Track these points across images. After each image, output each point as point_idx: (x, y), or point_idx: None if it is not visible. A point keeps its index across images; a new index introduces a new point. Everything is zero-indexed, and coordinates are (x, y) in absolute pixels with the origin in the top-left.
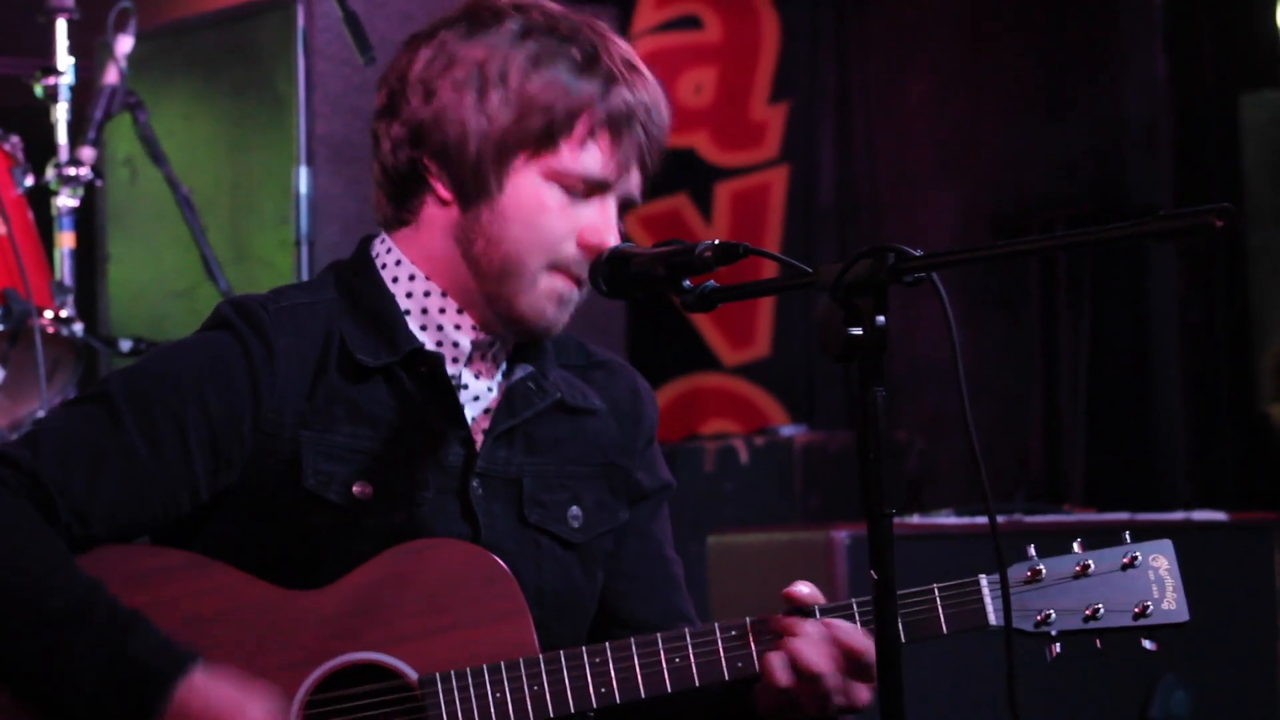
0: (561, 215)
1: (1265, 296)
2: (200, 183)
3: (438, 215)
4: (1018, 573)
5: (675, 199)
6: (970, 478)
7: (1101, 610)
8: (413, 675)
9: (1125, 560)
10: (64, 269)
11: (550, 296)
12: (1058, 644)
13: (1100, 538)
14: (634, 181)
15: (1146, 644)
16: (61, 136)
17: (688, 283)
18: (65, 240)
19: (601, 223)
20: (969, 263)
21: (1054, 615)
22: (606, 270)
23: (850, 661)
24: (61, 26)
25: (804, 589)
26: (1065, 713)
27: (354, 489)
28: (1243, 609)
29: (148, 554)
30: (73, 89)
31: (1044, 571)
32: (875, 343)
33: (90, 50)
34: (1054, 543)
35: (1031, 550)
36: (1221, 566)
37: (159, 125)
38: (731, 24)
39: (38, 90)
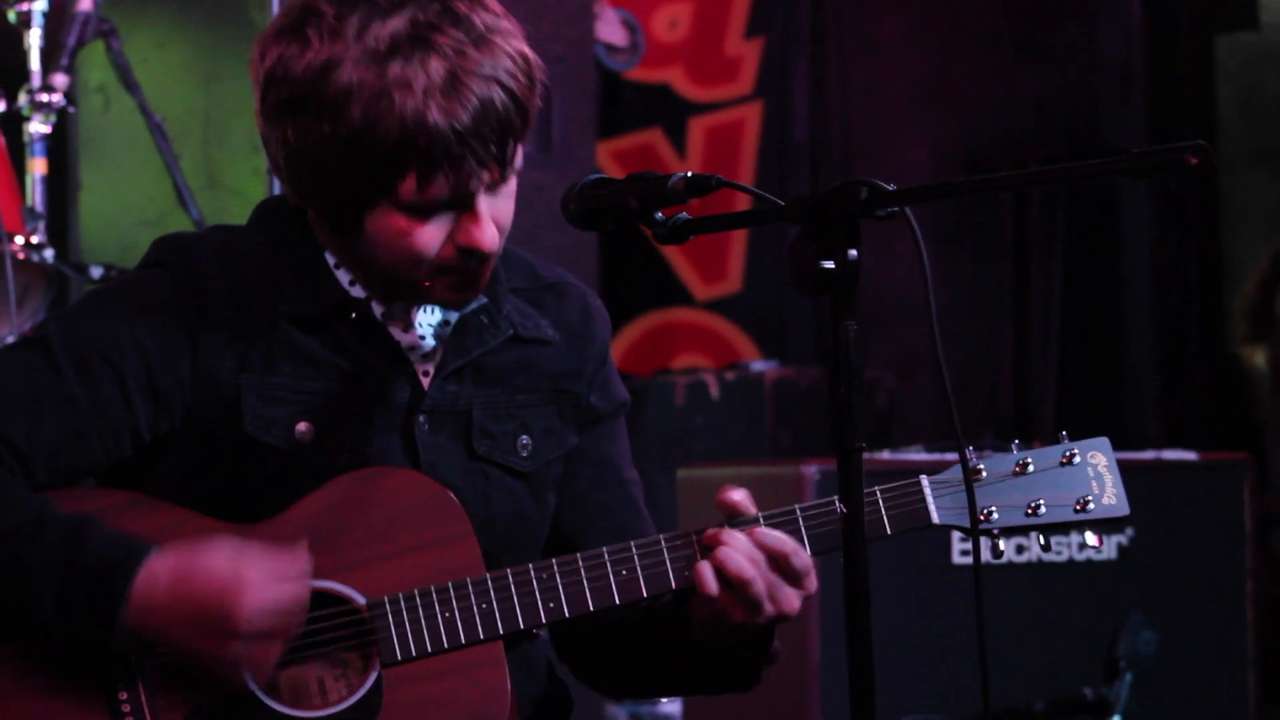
0: (426, 232)
1: (1237, 238)
2: (173, 111)
3: (320, 225)
4: (958, 472)
5: (649, 134)
6: (940, 415)
7: (1043, 506)
8: (361, 600)
9: (1064, 458)
10: (36, 195)
11: (448, 288)
12: (1002, 541)
13: None
14: (492, 172)
15: (1090, 537)
16: (34, 63)
17: (660, 215)
18: (37, 166)
19: (471, 224)
20: (942, 197)
21: (996, 512)
22: (578, 202)
23: (777, 566)
24: None
25: (737, 495)
26: (1032, 652)
27: (296, 430)
28: (1212, 548)
29: (92, 495)
30: (46, 15)
31: (984, 470)
32: (847, 276)
33: None
34: None
35: (971, 451)
36: (1191, 506)
37: (132, 53)
38: None
39: (11, 16)
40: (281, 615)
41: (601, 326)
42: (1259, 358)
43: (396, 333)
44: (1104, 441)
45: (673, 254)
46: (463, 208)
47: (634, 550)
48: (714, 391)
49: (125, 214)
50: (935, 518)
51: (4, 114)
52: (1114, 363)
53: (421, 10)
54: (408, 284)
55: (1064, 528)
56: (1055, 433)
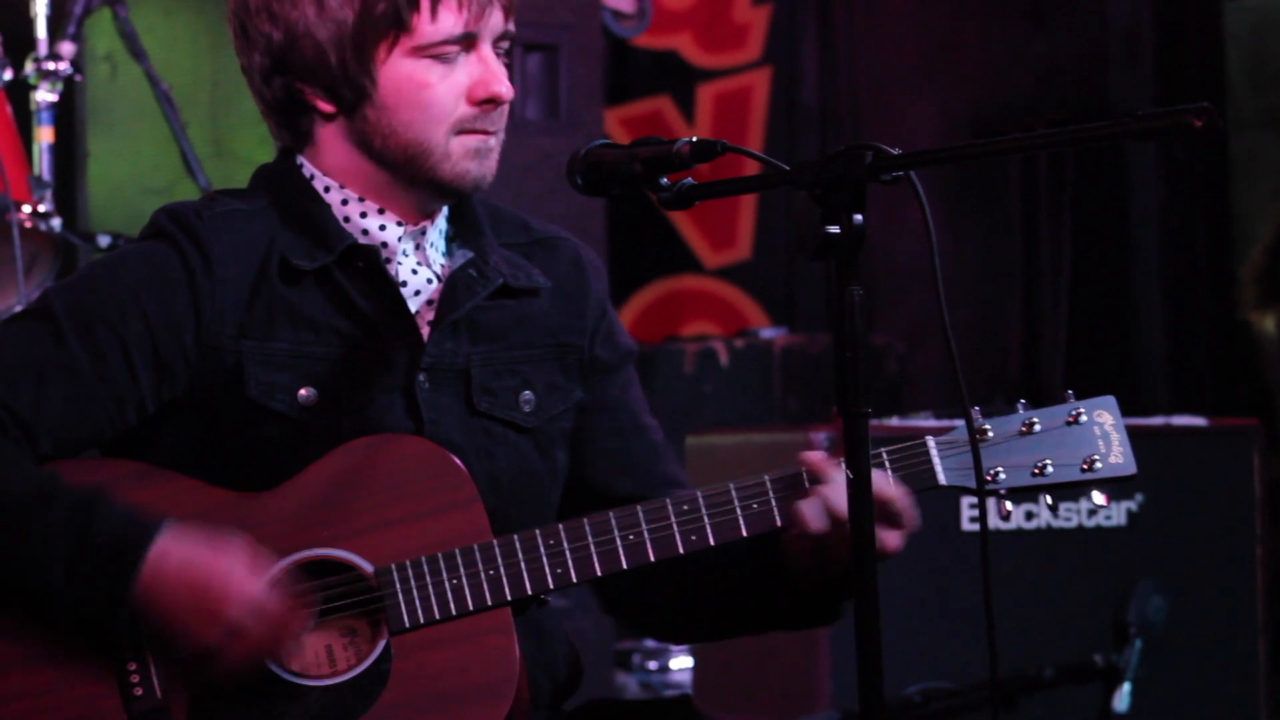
0: (443, 83)
1: (1246, 203)
2: (180, 79)
3: (329, 129)
4: (964, 434)
5: (657, 100)
6: (949, 382)
7: (1049, 466)
8: (368, 568)
9: (1070, 417)
10: (43, 164)
11: (466, 155)
12: (1008, 501)
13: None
14: (497, 18)
15: (1097, 496)
16: (41, 31)
17: (665, 180)
18: (44, 135)
19: (484, 73)
20: (947, 161)
21: (1002, 472)
22: (583, 167)
23: (880, 508)
24: None
25: (816, 455)
26: (1041, 619)
27: (299, 395)
28: (1222, 515)
29: (97, 466)
30: None
31: (990, 431)
32: (852, 241)
33: None
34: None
35: (977, 412)
36: (1201, 472)
37: (139, 21)
38: None
39: None
40: (268, 616)
41: (596, 278)
42: (1268, 323)
43: (409, 273)
44: (1110, 400)
45: (681, 221)
46: (471, 48)
47: (640, 513)
48: (723, 359)
49: (132, 182)
50: (942, 478)
51: (11, 82)
52: (1123, 328)
53: None
54: (427, 152)
55: (1071, 487)
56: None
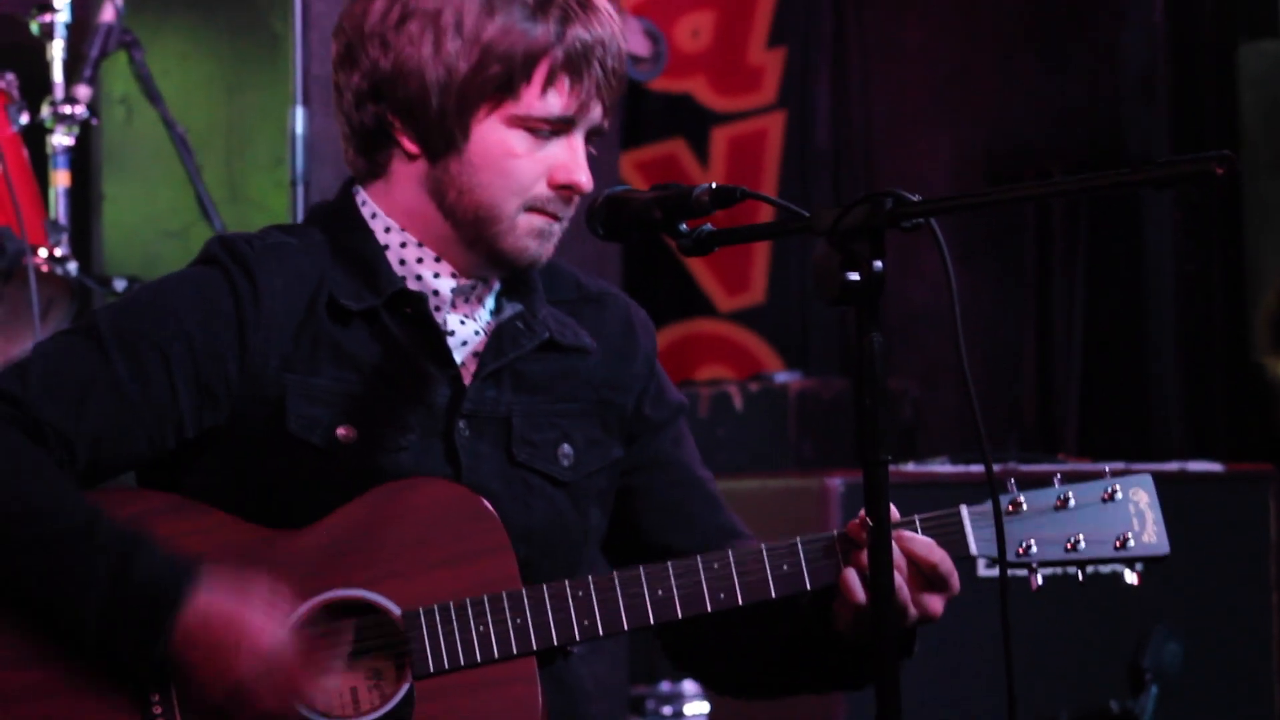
0: (530, 158)
1: (1261, 247)
2: (196, 122)
3: (407, 168)
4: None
5: (672, 144)
6: (964, 426)
7: (1082, 542)
8: (396, 610)
9: (1105, 494)
10: (59, 208)
11: (530, 234)
12: (1039, 574)
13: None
14: (596, 113)
15: (1129, 576)
16: (57, 74)
17: (684, 226)
18: (60, 179)
19: (570, 160)
20: (967, 208)
21: (1035, 546)
22: (603, 213)
23: (924, 573)
24: None
25: (856, 522)
26: (1057, 664)
27: (337, 432)
28: (1237, 560)
29: (131, 497)
30: (69, 26)
31: (1025, 504)
32: (872, 288)
33: None
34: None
35: (1012, 484)
36: (1216, 518)
37: (155, 64)
38: None
39: (34, 27)
40: (278, 669)
41: (645, 336)
42: None
43: (457, 324)
44: (1147, 479)
45: (696, 265)
46: (565, 132)
47: (670, 570)
48: (737, 403)
49: (148, 226)
50: (974, 548)
51: (27, 126)
52: (1137, 373)
53: None
54: (495, 219)
55: (1103, 563)
56: (1079, 443)
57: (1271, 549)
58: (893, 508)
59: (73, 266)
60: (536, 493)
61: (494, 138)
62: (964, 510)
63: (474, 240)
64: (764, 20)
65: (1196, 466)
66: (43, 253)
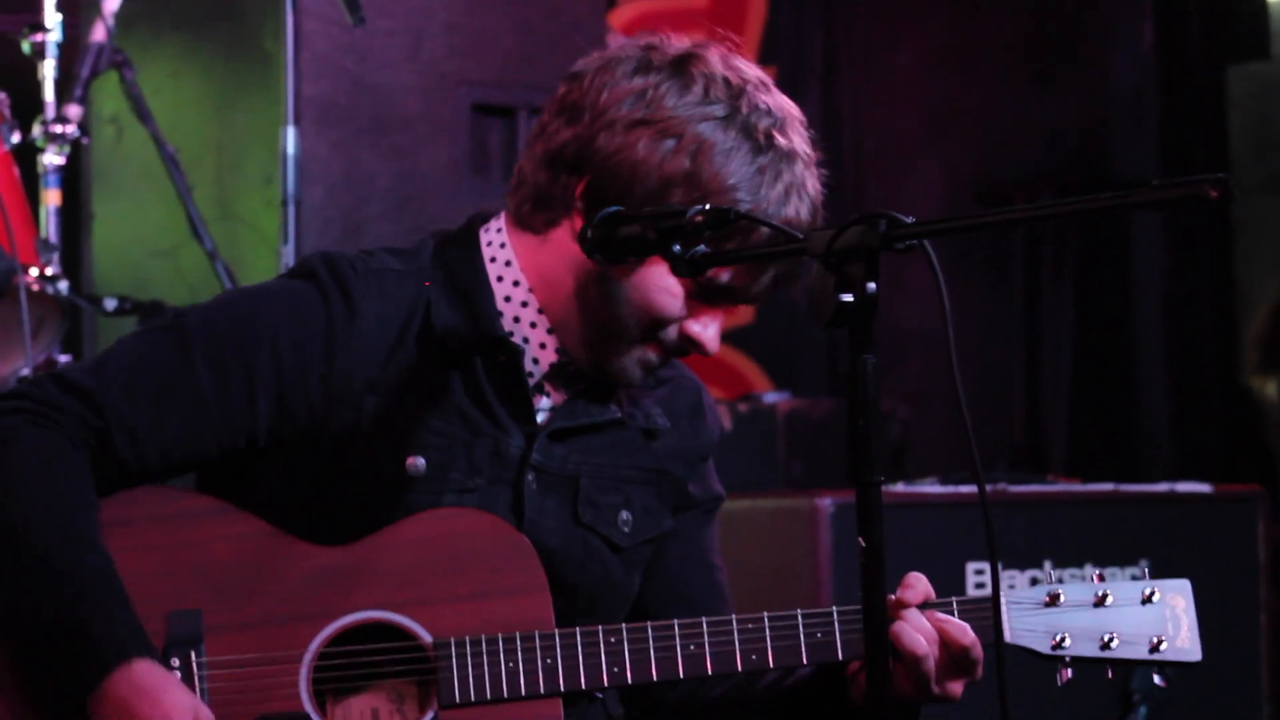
0: (678, 301)
1: (1249, 268)
2: (186, 141)
3: (567, 244)
4: (1037, 594)
5: None
6: (953, 446)
7: (1116, 640)
8: (427, 638)
9: (1144, 595)
10: (49, 227)
11: (641, 364)
12: (1070, 669)
13: (1085, 509)
14: (763, 290)
15: (1157, 679)
16: (48, 94)
17: (677, 247)
18: (51, 198)
19: (707, 328)
20: (961, 231)
21: (1069, 640)
22: (598, 234)
23: (953, 656)
24: None
25: (911, 595)
26: (1046, 685)
27: (407, 463)
28: (1226, 581)
29: (179, 496)
30: (60, 46)
31: (1063, 597)
32: (866, 310)
33: (78, 8)
34: (1040, 513)
35: (1051, 573)
36: (1205, 538)
37: (146, 83)
38: None
39: (25, 47)
40: None
41: (713, 423)
42: (1270, 388)
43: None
44: (1185, 585)
45: None
46: (714, 302)
47: (705, 626)
48: (727, 423)
49: (138, 245)
50: (1009, 635)
51: (18, 145)
52: (1127, 393)
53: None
54: (619, 338)
55: (1134, 664)
56: (1068, 464)
57: (1260, 570)
58: (927, 582)
59: (63, 285)
60: (594, 554)
61: (657, 277)
62: (1004, 600)
63: (590, 342)
64: (753, 40)
65: (1185, 487)
66: (33, 271)
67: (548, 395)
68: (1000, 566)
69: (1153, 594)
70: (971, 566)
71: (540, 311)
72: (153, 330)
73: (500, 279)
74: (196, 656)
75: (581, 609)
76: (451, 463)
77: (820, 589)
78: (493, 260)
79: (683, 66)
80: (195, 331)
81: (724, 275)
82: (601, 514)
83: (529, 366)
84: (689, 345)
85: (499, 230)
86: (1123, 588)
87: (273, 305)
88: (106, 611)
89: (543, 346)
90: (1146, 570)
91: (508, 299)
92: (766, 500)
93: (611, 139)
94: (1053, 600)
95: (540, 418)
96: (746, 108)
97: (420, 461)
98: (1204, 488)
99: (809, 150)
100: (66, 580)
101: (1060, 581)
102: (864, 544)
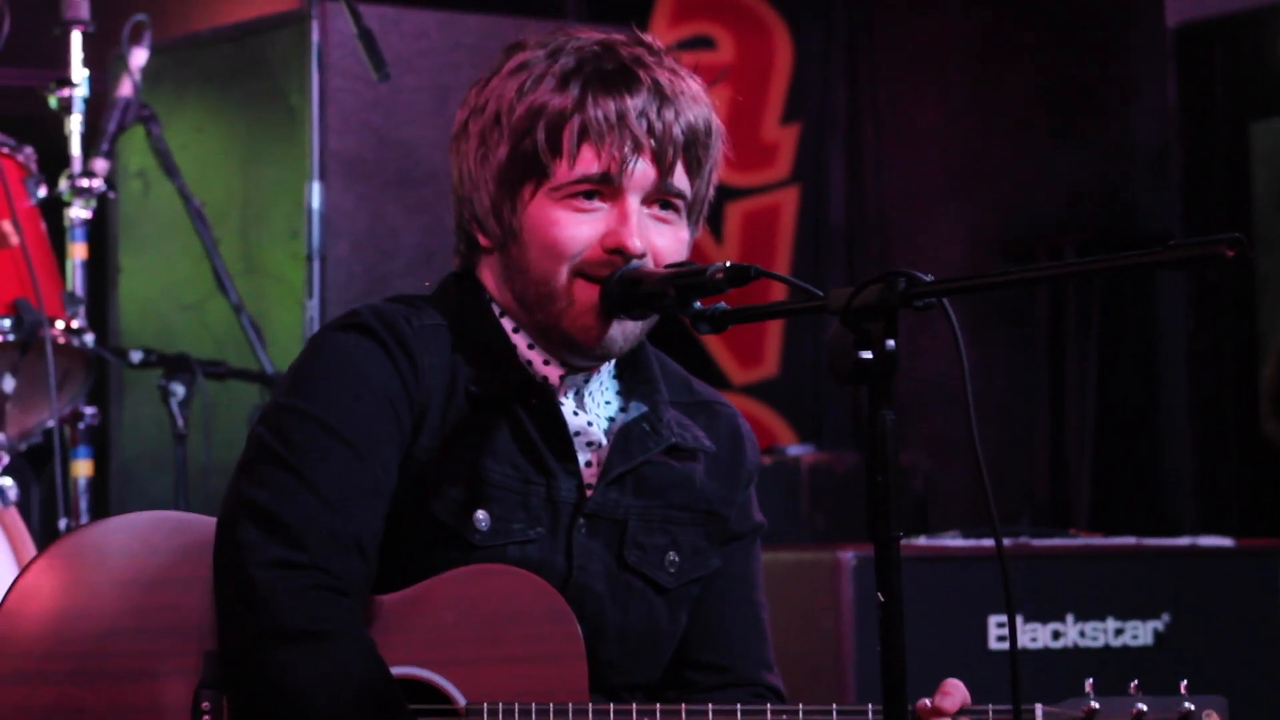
0: (575, 225)
1: (1273, 324)
2: (212, 196)
3: (490, 261)
4: (1073, 707)
5: None
6: (975, 499)
7: None
8: (461, 700)
9: (1181, 712)
10: (76, 280)
11: (588, 309)
12: None
13: (1107, 563)
14: (646, 173)
15: None
16: (75, 148)
17: (698, 304)
18: (77, 251)
19: (618, 224)
20: (980, 289)
21: None
22: (618, 291)
23: None
24: (76, 38)
25: (926, 702)
26: None
27: (475, 517)
28: (1248, 635)
29: None
30: (87, 101)
31: (1100, 711)
32: (885, 367)
33: (105, 62)
34: (1061, 566)
35: (1089, 687)
36: (1227, 592)
37: (172, 138)
38: (745, 45)
39: (52, 102)
40: None
41: (752, 451)
42: None
43: (570, 416)
44: (1221, 701)
45: (709, 338)
46: (613, 198)
47: (739, 713)
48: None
49: (164, 298)
50: None
51: (45, 199)
52: (1150, 448)
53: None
54: (552, 294)
55: None
56: (1091, 518)
57: None
58: (964, 689)
59: (89, 338)
60: (637, 596)
61: (541, 214)
62: (1039, 710)
63: (547, 325)
64: (778, 97)
65: (1207, 541)
66: (60, 324)
67: (577, 414)
68: (1022, 620)
69: (1189, 712)
70: (994, 620)
71: (517, 330)
72: (320, 443)
73: (502, 315)
74: (229, 701)
75: (629, 653)
76: (512, 514)
77: (842, 642)
78: (491, 300)
79: (507, 50)
80: (349, 434)
81: (581, 169)
82: (647, 556)
83: (558, 385)
84: (613, 255)
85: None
86: (1160, 703)
87: (376, 381)
88: None
89: (546, 363)
90: (1184, 687)
91: (516, 330)
92: (789, 553)
93: (455, 159)
94: (1089, 716)
95: (582, 455)
96: (551, 43)
97: (485, 515)
98: (1226, 542)
99: (629, 52)
100: None
101: (1097, 694)
102: (882, 599)
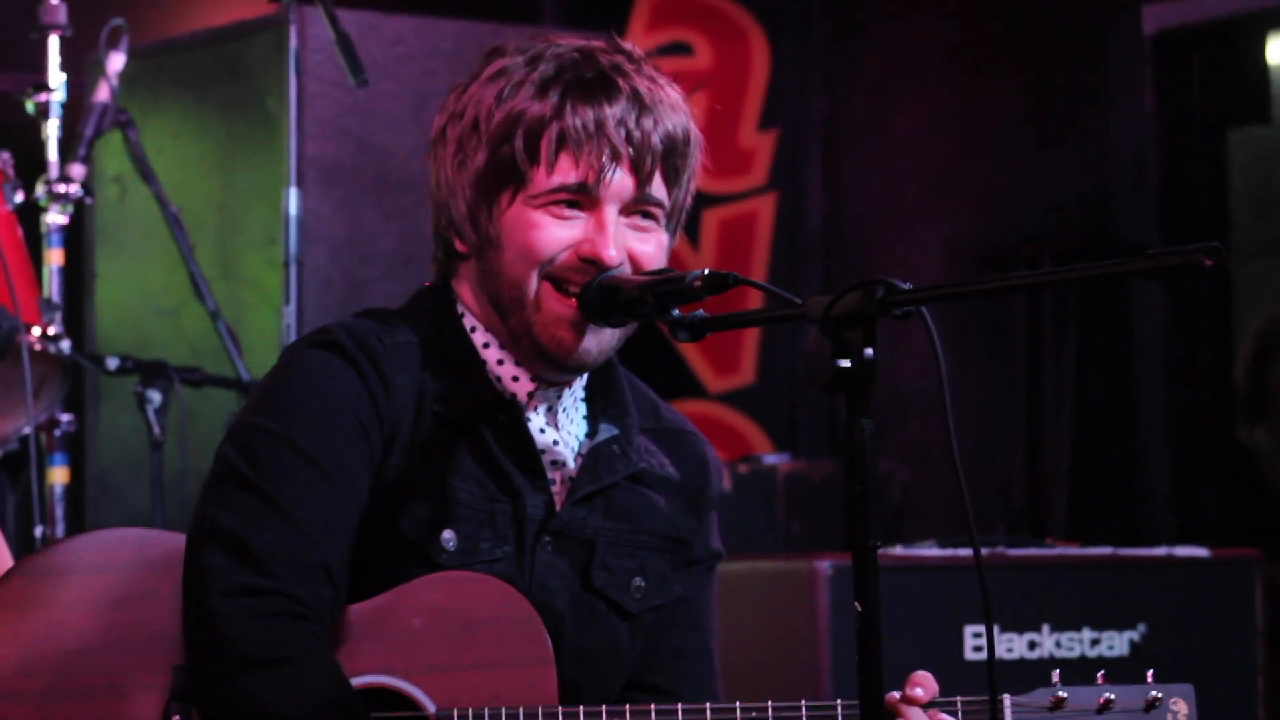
0: (550, 231)
1: (1250, 331)
2: (189, 202)
3: (465, 268)
4: (1041, 698)
5: None
6: (953, 508)
7: None
8: (431, 707)
9: (1148, 700)
10: (52, 286)
11: (558, 320)
12: None
13: (1083, 573)
14: (624, 183)
15: None
16: (52, 153)
17: (676, 311)
18: (54, 257)
19: (595, 233)
20: (958, 297)
21: None
22: (596, 299)
23: None
24: (54, 43)
25: (895, 695)
26: None
27: (442, 537)
28: (1224, 645)
29: None
30: (64, 106)
31: (1067, 700)
32: (863, 375)
33: (82, 67)
34: (1038, 576)
35: (1056, 677)
36: (1203, 602)
37: (149, 143)
38: (722, 51)
39: (29, 106)
40: None
41: (716, 478)
42: (1259, 434)
43: (537, 433)
44: (1188, 689)
45: (685, 346)
46: (590, 208)
47: (708, 710)
48: (726, 484)
49: (141, 304)
50: None
51: (21, 204)
52: (1126, 457)
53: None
54: (522, 299)
55: None
56: (1067, 527)
57: (1258, 634)
58: (934, 682)
59: (66, 345)
60: (600, 619)
61: (518, 219)
62: (1007, 700)
63: (516, 332)
64: (755, 103)
65: (1183, 551)
66: (36, 330)
67: (543, 431)
68: (998, 630)
69: (1157, 699)
70: (970, 630)
71: (501, 347)
72: (288, 466)
73: (474, 330)
74: (198, 714)
75: (588, 674)
76: (479, 534)
77: (819, 651)
78: (463, 315)
79: (485, 56)
80: (317, 454)
81: (559, 178)
82: (614, 579)
83: (526, 402)
84: (587, 265)
85: (450, 291)
86: (1128, 692)
87: (345, 401)
88: None
89: (515, 379)
90: (1150, 676)
91: (486, 345)
92: (766, 562)
93: (434, 166)
94: (1057, 704)
95: (550, 472)
96: (529, 50)
97: (452, 534)
98: (1202, 552)
99: (608, 60)
100: None
101: (1064, 684)
102: (860, 608)
